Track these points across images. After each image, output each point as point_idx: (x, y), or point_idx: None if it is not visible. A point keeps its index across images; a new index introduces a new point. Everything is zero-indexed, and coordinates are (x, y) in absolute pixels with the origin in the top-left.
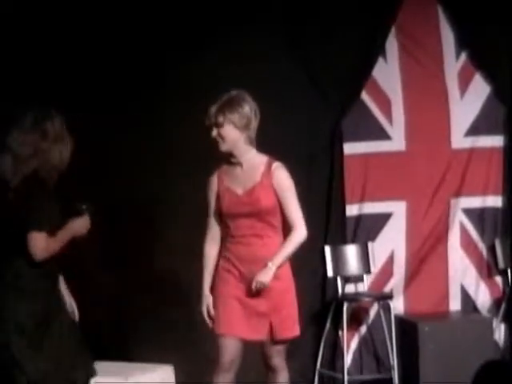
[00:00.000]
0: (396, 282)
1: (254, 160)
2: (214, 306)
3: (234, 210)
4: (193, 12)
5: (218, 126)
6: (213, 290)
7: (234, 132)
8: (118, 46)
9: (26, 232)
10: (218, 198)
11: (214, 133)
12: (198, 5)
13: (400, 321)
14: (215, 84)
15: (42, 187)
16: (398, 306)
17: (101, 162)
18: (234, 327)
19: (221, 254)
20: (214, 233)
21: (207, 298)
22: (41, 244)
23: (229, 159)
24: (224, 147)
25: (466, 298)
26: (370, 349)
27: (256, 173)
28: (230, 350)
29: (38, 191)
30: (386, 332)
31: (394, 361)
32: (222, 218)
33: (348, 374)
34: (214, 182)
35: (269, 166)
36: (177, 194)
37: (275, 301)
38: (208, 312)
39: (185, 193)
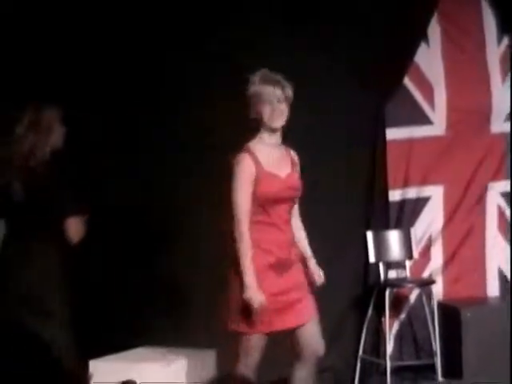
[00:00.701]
0: (434, 267)
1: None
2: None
3: (281, 194)
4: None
5: (288, 101)
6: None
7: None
8: (118, 46)
9: (62, 218)
10: (257, 182)
11: (284, 106)
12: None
13: (442, 306)
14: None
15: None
16: (436, 290)
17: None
18: (285, 320)
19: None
20: (248, 220)
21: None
22: (78, 228)
23: (266, 140)
24: (282, 124)
25: (505, 282)
26: (411, 335)
27: (288, 157)
28: (262, 347)
29: (61, 179)
30: (429, 318)
31: (437, 346)
32: (260, 203)
33: (390, 360)
34: (251, 164)
35: (290, 152)
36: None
37: (305, 286)
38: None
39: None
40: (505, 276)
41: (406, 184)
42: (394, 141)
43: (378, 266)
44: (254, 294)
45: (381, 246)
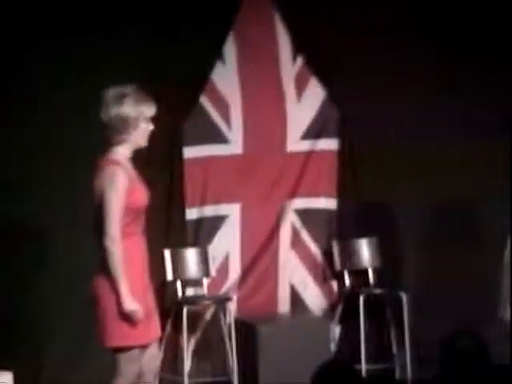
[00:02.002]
0: (231, 284)
1: None
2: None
3: (147, 203)
4: None
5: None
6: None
7: None
8: None
9: None
10: (131, 193)
11: (151, 125)
12: None
13: (238, 323)
14: None
15: None
16: (232, 307)
17: None
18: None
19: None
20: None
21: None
22: None
23: (127, 154)
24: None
25: (297, 298)
26: (209, 352)
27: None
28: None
29: None
30: (225, 335)
31: (234, 363)
32: (132, 214)
33: (188, 377)
34: (125, 176)
35: None
36: None
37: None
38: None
39: None
40: (297, 293)
41: (203, 202)
42: (192, 159)
43: (176, 284)
44: (133, 304)
45: (178, 263)
